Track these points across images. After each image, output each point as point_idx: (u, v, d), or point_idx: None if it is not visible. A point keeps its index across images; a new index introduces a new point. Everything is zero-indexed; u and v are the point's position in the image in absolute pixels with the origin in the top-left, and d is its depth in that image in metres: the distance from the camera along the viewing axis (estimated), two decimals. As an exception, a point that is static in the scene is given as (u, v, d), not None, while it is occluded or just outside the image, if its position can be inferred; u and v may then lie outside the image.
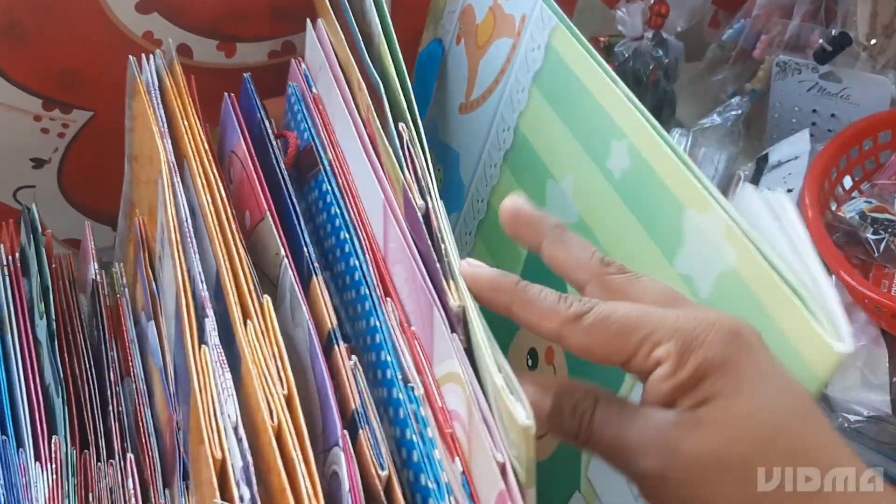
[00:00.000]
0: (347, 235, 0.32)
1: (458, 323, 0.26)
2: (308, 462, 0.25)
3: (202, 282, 0.30)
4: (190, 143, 0.35)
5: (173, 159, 0.34)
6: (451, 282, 0.26)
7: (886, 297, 0.45)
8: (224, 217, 0.32)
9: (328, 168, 0.35)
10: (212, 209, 0.32)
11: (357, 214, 0.33)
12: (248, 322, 0.28)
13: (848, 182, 0.54)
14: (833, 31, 0.55)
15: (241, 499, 0.24)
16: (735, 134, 0.57)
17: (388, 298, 0.30)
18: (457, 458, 0.25)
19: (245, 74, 0.40)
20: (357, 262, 0.31)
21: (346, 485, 0.25)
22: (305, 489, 0.24)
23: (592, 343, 0.24)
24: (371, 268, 0.31)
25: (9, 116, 0.51)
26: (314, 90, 0.38)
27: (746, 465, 0.23)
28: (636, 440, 0.24)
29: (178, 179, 0.34)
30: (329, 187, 0.34)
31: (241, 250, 0.31)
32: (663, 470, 0.24)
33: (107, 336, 0.38)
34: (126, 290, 0.41)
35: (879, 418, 0.43)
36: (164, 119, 0.36)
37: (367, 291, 0.30)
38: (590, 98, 0.34)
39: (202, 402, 0.27)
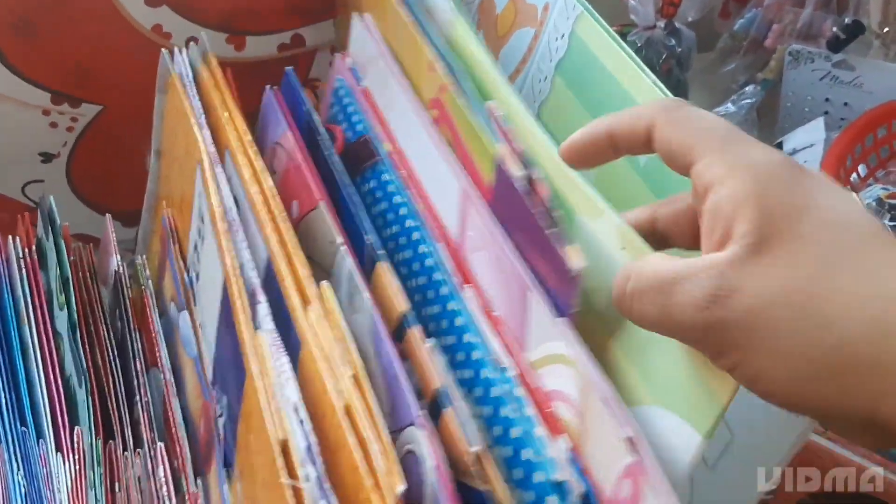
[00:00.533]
0: (414, 223, 0.33)
1: (573, 289, 0.26)
2: (381, 439, 0.25)
3: (252, 269, 0.31)
4: (233, 133, 0.35)
5: (214, 150, 0.35)
6: (569, 247, 0.26)
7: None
8: (274, 205, 0.32)
9: (387, 158, 0.35)
10: (260, 198, 0.32)
11: (423, 202, 0.33)
12: (308, 308, 0.29)
13: (863, 170, 0.54)
14: (846, 19, 0.55)
15: (308, 478, 0.24)
16: (749, 122, 0.58)
17: (468, 284, 0.30)
18: (561, 436, 0.26)
19: (287, 68, 0.40)
20: (428, 250, 0.32)
21: (428, 462, 0.25)
22: (380, 466, 0.24)
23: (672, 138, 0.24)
24: (445, 255, 0.31)
25: (17, 111, 0.50)
26: (363, 83, 0.39)
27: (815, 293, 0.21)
28: (687, 299, 0.22)
29: (221, 170, 0.34)
30: (390, 177, 0.34)
31: (289, 235, 0.31)
32: (717, 324, 0.22)
33: (131, 327, 0.38)
34: (150, 282, 0.41)
35: None
36: (202, 111, 0.37)
37: (443, 277, 0.31)
38: (616, 86, 0.34)
39: (263, 385, 0.27)
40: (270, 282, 0.30)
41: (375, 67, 0.38)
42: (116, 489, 0.33)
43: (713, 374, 0.24)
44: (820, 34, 0.59)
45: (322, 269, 0.33)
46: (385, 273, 0.31)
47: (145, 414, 0.35)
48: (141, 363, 0.37)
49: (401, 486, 0.24)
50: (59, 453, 0.34)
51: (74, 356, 0.36)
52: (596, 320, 0.28)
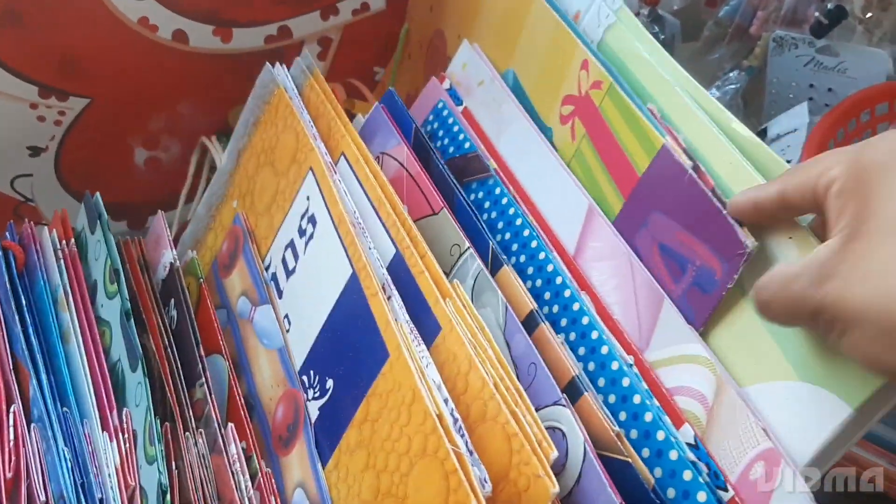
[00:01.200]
0: (532, 233, 0.38)
1: (738, 264, 0.31)
2: (531, 412, 0.30)
3: (381, 267, 0.35)
4: (353, 144, 0.40)
5: (330, 159, 0.39)
6: (743, 227, 0.31)
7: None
8: (400, 208, 0.36)
9: (496, 174, 0.41)
10: (387, 202, 0.37)
11: (534, 216, 0.39)
12: (448, 299, 0.33)
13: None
14: (829, 5, 0.56)
15: (467, 450, 0.28)
16: (734, 108, 0.59)
17: (584, 290, 0.36)
18: (685, 425, 0.32)
19: (390, 88, 0.45)
20: (549, 256, 0.37)
21: (578, 437, 0.30)
22: (534, 434, 0.29)
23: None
24: (562, 261, 0.37)
25: (4, 104, 0.51)
26: (463, 105, 0.44)
27: (886, 274, 0.24)
28: (799, 293, 0.27)
29: (338, 177, 0.38)
30: (503, 190, 0.40)
31: (417, 236, 0.35)
32: (820, 311, 0.26)
33: (190, 316, 0.41)
34: (203, 275, 0.44)
35: None
36: (312, 122, 0.41)
37: (565, 281, 0.36)
38: (646, 95, 0.37)
39: (415, 366, 0.31)
40: (398, 276, 0.35)
41: (484, 90, 0.44)
42: (176, 467, 0.36)
43: None
44: (804, 20, 0.59)
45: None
46: (510, 275, 0.36)
47: (212, 396, 0.38)
48: (201, 350, 0.40)
49: (554, 453, 0.28)
50: (104, 432, 0.36)
51: (128, 341, 0.39)
52: (742, 296, 0.32)
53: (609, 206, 0.38)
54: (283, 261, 0.40)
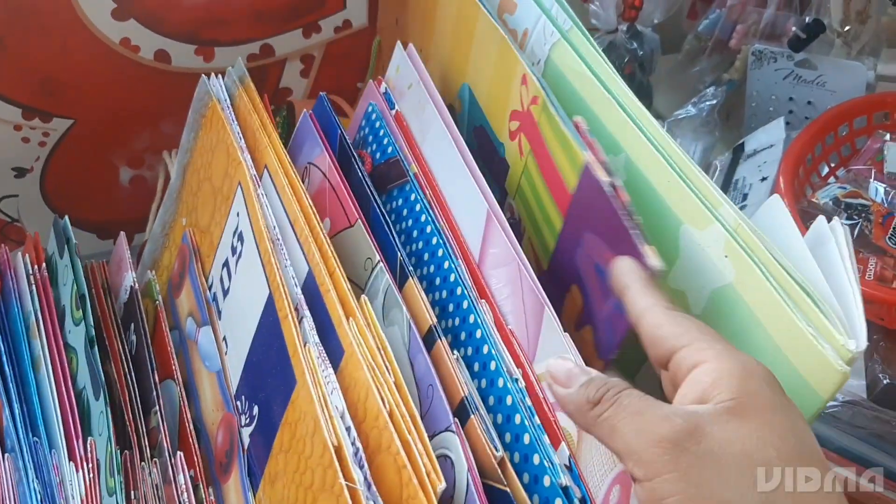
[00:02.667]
0: (440, 241, 0.36)
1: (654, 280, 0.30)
2: (424, 441, 0.28)
3: (296, 285, 0.33)
4: (273, 155, 0.38)
5: (255, 173, 0.38)
6: (647, 246, 0.30)
7: (862, 283, 0.46)
8: (315, 223, 0.35)
9: (414, 179, 0.38)
10: (302, 216, 0.35)
11: (446, 222, 0.37)
12: (351, 319, 0.32)
13: (824, 169, 0.55)
14: (807, 19, 0.56)
15: (362, 482, 0.27)
16: (711, 123, 0.59)
17: (483, 300, 0.34)
18: (562, 444, 0.30)
19: (321, 93, 0.43)
20: (452, 265, 0.35)
21: (463, 465, 0.29)
22: (423, 465, 0.27)
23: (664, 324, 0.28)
24: (466, 271, 0.35)
25: (-11, 126, 0.51)
26: (396, 108, 0.42)
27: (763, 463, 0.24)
28: (664, 414, 0.25)
29: (262, 191, 0.37)
30: (418, 196, 0.38)
31: (329, 251, 0.34)
32: (687, 447, 0.24)
33: (147, 341, 0.40)
34: (160, 297, 0.43)
35: (854, 402, 0.44)
36: (241, 134, 0.40)
37: (465, 292, 0.34)
38: (588, 112, 0.37)
39: (317, 395, 0.30)
40: (311, 295, 0.33)
41: (416, 93, 0.42)
42: (133, 497, 0.36)
43: (809, 372, 0.28)
44: (783, 34, 0.60)
45: (354, 284, 0.36)
46: (415, 288, 0.34)
47: (164, 424, 0.38)
48: (156, 376, 0.39)
49: (441, 485, 0.27)
50: (71, 462, 0.36)
51: (91, 369, 0.38)
52: None
53: (552, 224, 0.37)
54: (221, 280, 0.39)
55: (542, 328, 0.32)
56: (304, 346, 0.31)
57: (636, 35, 0.58)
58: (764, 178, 0.51)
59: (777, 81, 0.59)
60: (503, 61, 0.41)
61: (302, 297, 0.33)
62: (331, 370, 0.31)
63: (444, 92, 0.42)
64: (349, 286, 0.33)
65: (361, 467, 0.28)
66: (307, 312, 0.32)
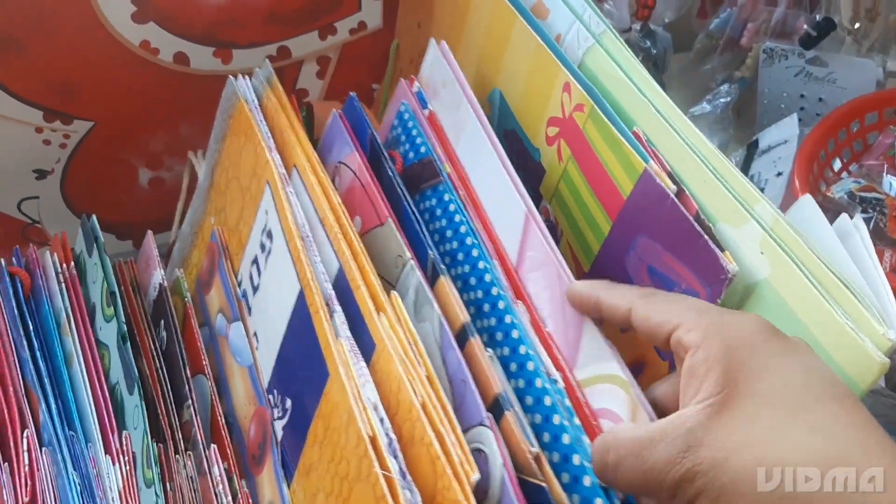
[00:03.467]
0: (475, 241, 0.37)
1: (722, 288, 0.31)
2: (457, 433, 0.29)
3: (327, 281, 0.34)
4: (302, 154, 0.39)
5: (283, 172, 0.38)
6: (724, 251, 0.31)
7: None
8: (344, 220, 0.36)
9: (448, 179, 0.39)
10: (331, 214, 0.36)
11: (481, 223, 0.38)
12: (381, 314, 0.32)
13: (837, 164, 0.55)
14: (817, 17, 0.57)
15: (398, 472, 0.28)
16: (725, 121, 0.59)
17: (519, 301, 0.35)
18: None
19: (351, 94, 0.44)
20: (487, 266, 0.36)
21: (498, 459, 0.29)
22: (457, 456, 0.28)
23: (651, 314, 0.29)
24: (501, 272, 0.36)
25: (11, 129, 0.52)
26: (429, 108, 0.43)
27: (769, 444, 0.24)
28: (660, 458, 0.26)
29: (291, 189, 0.38)
30: (452, 197, 0.38)
31: (359, 248, 0.34)
32: (687, 474, 0.25)
33: (178, 337, 0.41)
34: (188, 294, 0.44)
35: (874, 391, 0.44)
36: (270, 134, 0.40)
37: (500, 292, 0.35)
38: (624, 116, 0.38)
39: (350, 387, 0.31)
40: (342, 291, 0.34)
41: (447, 92, 0.42)
42: (169, 489, 0.36)
43: (850, 365, 0.28)
44: (794, 31, 0.60)
45: (385, 281, 0.36)
46: (447, 286, 0.35)
47: (197, 418, 0.38)
48: (188, 370, 0.40)
49: (475, 475, 0.27)
50: (107, 456, 0.37)
51: (125, 364, 0.39)
52: None
53: (598, 227, 0.38)
54: (251, 277, 0.40)
55: (583, 333, 0.32)
56: (336, 339, 0.32)
57: (649, 34, 0.59)
58: (779, 174, 0.51)
59: (788, 79, 0.60)
60: (540, 68, 0.41)
61: (333, 292, 0.34)
62: (363, 363, 0.31)
63: (475, 96, 0.42)
64: (379, 282, 0.33)
65: (396, 457, 0.28)
66: (338, 307, 0.33)
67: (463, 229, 0.37)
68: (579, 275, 0.41)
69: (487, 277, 0.36)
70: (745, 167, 0.55)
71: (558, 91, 0.40)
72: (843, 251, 0.31)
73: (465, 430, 0.30)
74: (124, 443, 0.37)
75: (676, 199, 0.33)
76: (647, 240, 0.35)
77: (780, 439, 0.24)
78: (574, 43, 0.41)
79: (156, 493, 0.35)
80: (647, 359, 0.36)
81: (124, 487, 0.36)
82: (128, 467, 0.36)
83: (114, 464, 0.36)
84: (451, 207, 0.38)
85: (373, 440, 0.29)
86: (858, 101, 0.56)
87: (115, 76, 0.53)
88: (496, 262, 0.36)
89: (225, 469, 0.36)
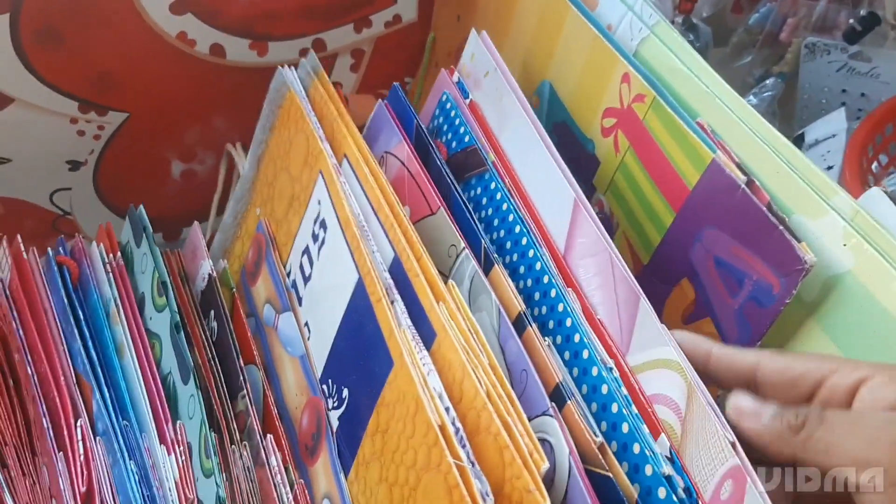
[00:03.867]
0: (523, 229, 0.36)
1: (797, 279, 0.31)
2: (524, 421, 0.29)
3: (384, 270, 0.34)
4: (353, 144, 0.39)
5: (335, 161, 0.38)
6: (800, 242, 0.31)
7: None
8: (398, 210, 0.35)
9: (493, 168, 0.39)
10: (385, 203, 0.36)
11: (528, 210, 0.37)
12: (441, 303, 0.32)
13: (884, 159, 0.54)
14: (862, 11, 0.56)
15: (469, 461, 0.28)
16: (770, 114, 0.59)
17: (570, 288, 0.34)
18: (662, 436, 0.30)
19: (395, 84, 0.44)
20: (537, 254, 0.36)
21: (564, 449, 0.29)
22: (525, 445, 0.28)
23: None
24: (550, 259, 0.35)
25: (45, 119, 0.51)
26: (469, 97, 0.43)
27: None
28: (869, 433, 0.25)
29: (344, 179, 0.37)
30: (498, 185, 0.38)
31: (414, 237, 0.34)
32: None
33: (230, 327, 0.41)
34: (234, 284, 0.44)
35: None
36: (319, 124, 0.40)
37: (552, 280, 0.35)
38: (687, 107, 0.37)
39: (418, 375, 0.30)
40: (399, 280, 0.34)
41: (490, 81, 0.42)
42: (226, 479, 0.36)
43: None
44: (834, 26, 0.60)
45: (438, 271, 0.36)
46: (501, 275, 0.35)
47: (252, 408, 0.38)
48: (240, 360, 0.40)
49: (546, 465, 0.27)
50: (162, 446, 0.37)
51: (179, 354, 0.39)
52: (800, 307, 0.32)
53: (659, 219, 0.38)
54: (301, 267, 0.40)
55: (636, 319, 0.32)
56: (400, 328, 0.32)
57: (692, 27, 0.58)
58: (829, 167, 0.50)
59: (830, 74, 0.59)
60: (597, 59, 0.41)
61: (392, 281, 0.33)
62: (426, 352, 0.31)
63: (522, 88, 0.42)
64: (436, 271, 0.33)
65: (464, 446, 0.28)
66: (397, 296, 0.33)
67: (511, 217, 0.37)
68: (637, 268, 0.40)
69: (538, 265, 0.35)
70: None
71: (616, 82, 0.40)
72: None
73: (530, 419, 0.30)
74: (179, 432, 0.37)
75: (747, 189, 0.33)
76: (715, 231, 0.34)
77: None
78: (627, 34, 0.41)
79: (216, 483, 0.35)
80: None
81: (181, 477, 0.35)
82: (184, 457, 0.36)
83: (169, 454, 0.36)
84: (498, 196, 0.38)
85: (442, 429, 0.29)
86: (904, 96, 0.55)
87: (151, 67, 0.52)
88: (545, 250, 0.36)
89: (280, 459, 0.36)
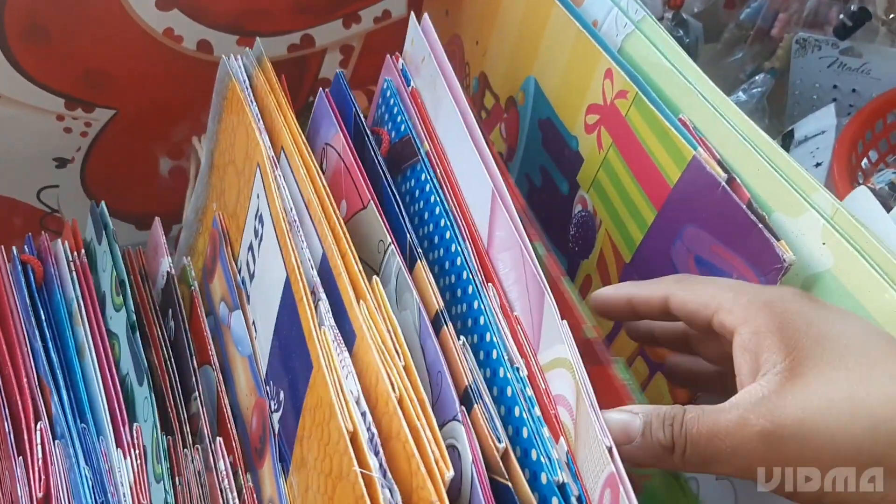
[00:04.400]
0: (448, 222, 0.35)
1: (776, 278, 0.30)
2: (433, 428, 0.27)
3: (312, 268, 0.33)
4: (289, 136, 0.37)
5: (273, 154, 0.37)
6: (779, 241, 0.30)
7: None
8: (328, 205, 0.34)
9: (426, 158, 0.37)
10: (316, 199, 0.35)
11: (456, 203, 0.36)
12: (361, 301, 0.31)
13: (874, 156, 0.54)
14: (852, 7, 0.56)
15: (378, 468, 0.27)
16: (760, 111, 0.58)
17: (490, 284, 0.33)
18: (561, 439, 0.28)
19: (337, 71, 0.43)
20: (459, 248, 0.34)
21: (469, 457, 0.27)
22: (432, 453, 0.26)
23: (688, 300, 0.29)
24: (472, 254, 0.34)
25: (32, 116, 0.51)
26: (412, 84, 0.41)
27: (856, 399, 0.24)
28: (736, 420, 0.25)
29: (280, 173, 0.36)
30: (428, 176, 0.37)
31: (342, 234, 0.33)
32: (772, 437, 0.24)
33: (185, 326, 0.40)
34: (195, 282, 0.43)
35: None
36: (259, 115, 0.39)
37: (470, 276, 0.33)
38: (670, 103, 0.37)
39: (332, 379, 0.29)
40: (326, 278, 0.33)
41: (426, 67, 0.41)
42: (177, 483, 0.35)
43: None
44: (826, 22, 0.59)
45: (369, 267, 0.35)
46: (423, 271, 0.33)
47: (204, 410, 0.37)
48: (195, 361, 0.39)
49: (449, 474, 0.26)
50: (118, 449, 0.36)
51: (134, 355, 0.38)
52: None
53: (642, 217, 0.37)
54: (248, 263, 0.39)
55: (543, 314, 0.31)
56: (320, 328, 0.31)
57: (682, 23, 0.58)
58: (818, 164, 0.50)
59: (821, 69, 0.59)
60: (580, 55, 0.40)
61: (318, 279, 0.32)
62: (346, 353, 0.30)
63: (506, 85, 0.41)
64: (361, 268, 0.32)
65: (377, 454, 0.27)
66: (323, 295, 0.32)
67: (437, 210, 0.36)
68: (620, 267, 0.39)
69: (459, 260, 0.34)
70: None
71: (599, 78, 0.39)
72: None
73: (442, 425, 0.29)
74: (135, 436, 0.36)
75: (728, 187, 0.32)
76: (695, 229, 0.34)
77: (865, 393, 0.24)
78: (612, 29, 0.41)
79: (165, 489, 0.34)
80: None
81: (135, 482, 0.35)
82: (139, 461, 0.35)
83: (125, 457, 0.35)
84: (428, 188, 0.36)
85: (353, 436, 0.27)
86: (895, 91, 0.55)
87: (138, 64, 0.52)
88: (468, 244, 0.34)
89: (231, 463, 0.35)
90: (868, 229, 0.30)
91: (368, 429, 0.27)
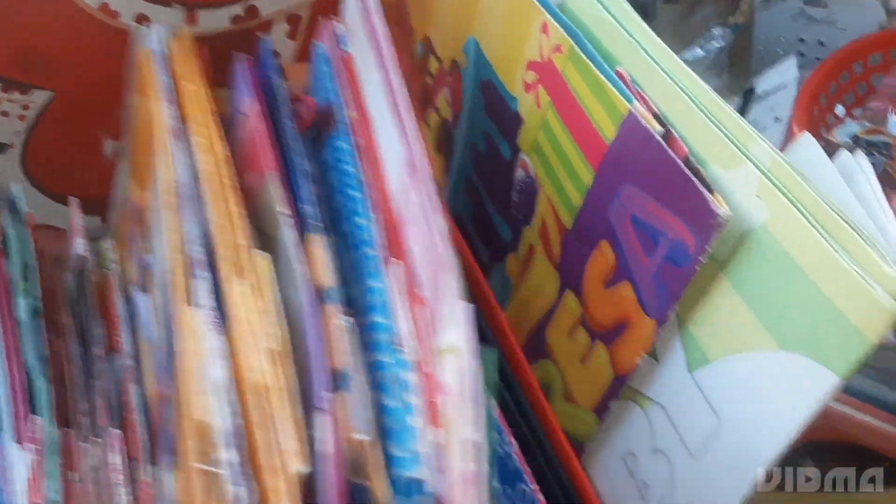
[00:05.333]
0: (356, 193, 0.33)
1: (712, 234, 0.28)
2: (295, 419, 0.25)
3: (195, 241, 0.30)
4: (196, 105, 0.36)
5: (175, 124, 0.35)
6: (714, 194, 0.29)
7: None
8: (225, 175, 0.32)
9: (344, 126, 0.35)
10: (212, 168, 0.33)
11: (373, 172, 0.33)
12: (236, 279, 0.29)
13: (840, 111, 0.52)
14: (816, -45, 0.54)
15: (227, 462, 0.24)
16: (719, 66, 0.56)
17: (396, 260, 0.30)
18: (435, 431, 0.26)
19: (262, 36, 0.40)
20: (364, 222, 0.32)
21: (324, 449, 0.25)
22: (288, 448, 0.24)
23: None
24: (377, 227, 0.31)
25: (-35, 101, 0.49)
26: (347, 49, 0.38)
27: None
28: None
29: (182, 144, 0.34)
30: (346, 144, 0.34)
31: (235, 206, 0.31)
32: None
33: (94, 312, 0.38)
34: (115, 265, 0.41)
35: (884, 346, 0.42)
36: (168, 84, 0.37)
37: (370, 252, 0.31)
38: (611, 59, 0.35)
39: (190, 366, 0.27)
40: (211, 254, 0.30)
41: (356, 31, 0.39)
42: (72, 479, 0.34)
43: (856, 314, 0.25)
44: (790, -27, 0.57)
45: (276, 242, 0.32)
46: (315, 245, 0.30)
47: (101, 401, 0.36)
48: (101, 349, 0.37)
49: (299, 468, 0.24)
50: (17, 444, 0.35)
51: (35, 344, 0.37)
52: (713, 264, 0.30)
53: (580, 179, 0.35)
54: (155, 242, 0.37)
55: (442, 293, 0.28)
56: (190, 308, 0.28)
57: (639, -21, 0.56)
58: (777, 119, 0.49)
59: (785, 22, 0.57)
60: (517, 10, 0.39)
61: (199, 256, 0.30)
62: (218, 336, 0.27)
63: (448, 47, 0.39)
64: (247, 242, 0.30)
65: (239, 448, 0.25)
66: (204, 273, 0.29)
67: (348, 180, 0.33)
68: (562, 233, 0.38)
69: (364, 235, 0.31)
70: (741, 114, 0.52)
71: (536, 33, 0.37)
72: (848, 192, 0.28)
73: (310, 414, 0.26)
74: (35, 429, 0.34)
75: (663, 142, 0.30)
76: (632, 187, 0.32)
77: None
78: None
79: (53, 485, 0.33)
80: (632, 319, 0.33)
81: (33, 477, 0.33)
82: (36, 456, 0.34)
83: (23, 452, 0.34)
84: (343, 157, 0.35)
85: (201, 427, 0.25)
86: (861, 41, 0.53)
87: (73, 42, 0.50)
88: (376, 216, 0.31)
89: (131, 457, 0.33)
90: (808, 181, 0.28)
91: (224, 420, 0.25)
